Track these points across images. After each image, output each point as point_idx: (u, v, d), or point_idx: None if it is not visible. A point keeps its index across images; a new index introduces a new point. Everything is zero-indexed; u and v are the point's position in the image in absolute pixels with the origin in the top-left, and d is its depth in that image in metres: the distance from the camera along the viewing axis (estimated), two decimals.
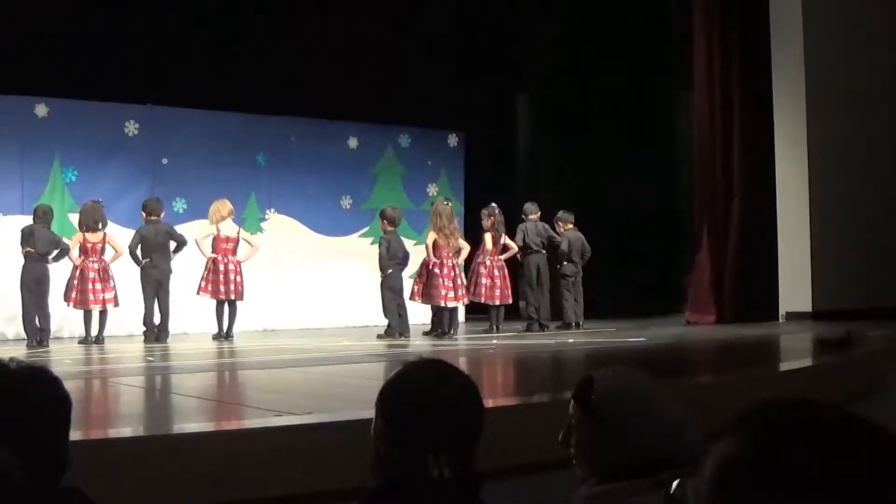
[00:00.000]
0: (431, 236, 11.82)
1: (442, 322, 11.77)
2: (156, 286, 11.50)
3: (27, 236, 11.13)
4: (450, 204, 12.33)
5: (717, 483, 1.03)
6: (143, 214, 11.75)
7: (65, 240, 11.52)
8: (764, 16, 12.97)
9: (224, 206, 12.04)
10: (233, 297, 11.90)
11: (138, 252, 11.51)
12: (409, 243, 12.95)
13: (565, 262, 12.81)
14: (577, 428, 2.54)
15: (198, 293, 11.89)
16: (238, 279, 11.94)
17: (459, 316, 12.62)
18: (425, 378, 2.20)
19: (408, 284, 12.17)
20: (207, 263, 11.90)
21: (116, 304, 11.63)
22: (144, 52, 12.90)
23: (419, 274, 11.87)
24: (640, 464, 2.40)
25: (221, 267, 11.86)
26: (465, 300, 12.14)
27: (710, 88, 13.32)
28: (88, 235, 11.46)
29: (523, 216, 12.76)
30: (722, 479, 1.03)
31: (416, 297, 11.85)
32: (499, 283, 12.35)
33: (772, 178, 12.89)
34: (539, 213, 12.84)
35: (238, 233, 12.14)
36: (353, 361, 8.79)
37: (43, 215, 11.33)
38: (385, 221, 12.11)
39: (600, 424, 2.51)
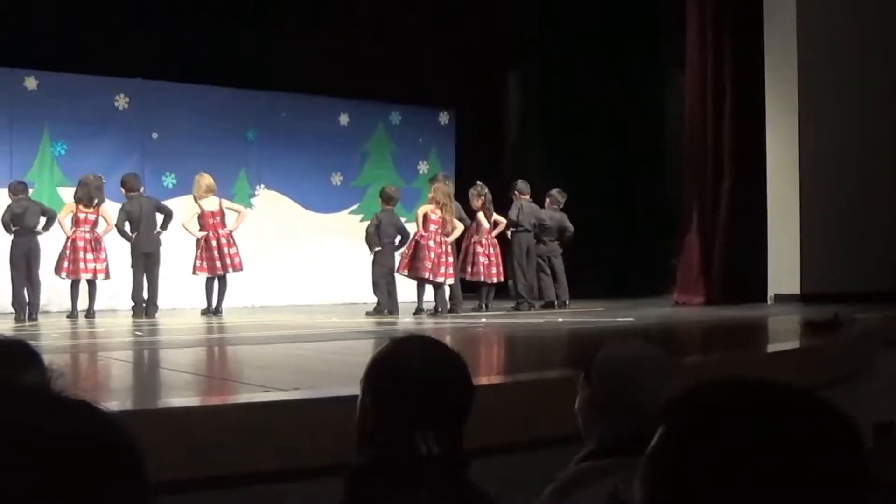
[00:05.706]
0: (424, 209, 11.77)
1: (439, 298, 11.76)
2: (145, 259, 11.46)
3: (18, 218, 11.09)
4: (450, 182, 12.31)
5: (646, 482, 1.01)
6: (123, 191, 11.73)
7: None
8: None
9: (203, 179, 11.99)
10: (230, 269, 11.87)
11: (126, 228, 11.49)
12: None
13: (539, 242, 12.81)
14: (580, 395, 2.54)
15: (194, 273, 11.86)
16: (232, 251, 11.90)
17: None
18: (413, 355, 2.19)
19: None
20: (199, 242, 11.86)
21: (107, 276, 11.61)
22: (135, 26, 12.83)
23: (407, 246, 11.85)
24: (622, 440, 2.39)
25: (214, 243, 11.82)
26: (453, 280, 12.03)
27: (701, 69, 13.27)
28: (82, 207, 11.43)
29: (516, 194, 12.70)
30: (649, 477, 1.00)
31: (403, 270, 11.83)
32: (493, 262, 12.36)
33: (762, 160, 12.88)
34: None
35: (220, 204, 12.09)
36: (341, 338, 8.77)
37: (23, 189, 11.33)
38: (381, 200, 12.09)
39: (591, 392, 2.51)
